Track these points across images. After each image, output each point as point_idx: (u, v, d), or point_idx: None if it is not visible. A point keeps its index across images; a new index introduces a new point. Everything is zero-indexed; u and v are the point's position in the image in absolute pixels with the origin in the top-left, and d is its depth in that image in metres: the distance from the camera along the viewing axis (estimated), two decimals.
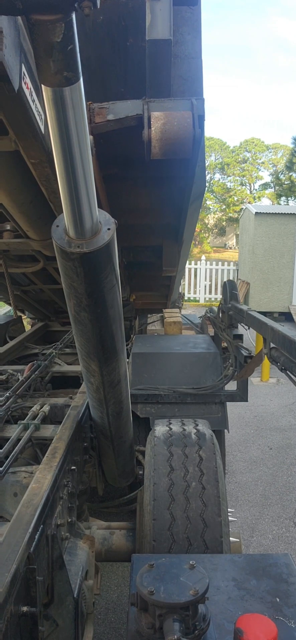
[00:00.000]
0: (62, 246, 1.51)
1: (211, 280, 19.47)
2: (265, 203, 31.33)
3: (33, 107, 1.63)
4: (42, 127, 1.79)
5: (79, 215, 1.45)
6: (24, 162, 2.02)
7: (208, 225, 33.78)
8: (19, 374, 3.19)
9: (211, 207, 35.17)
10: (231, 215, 33.70)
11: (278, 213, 15.79)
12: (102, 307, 1.74)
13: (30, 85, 1.54)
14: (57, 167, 1.35)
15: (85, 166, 1.35)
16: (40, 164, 1.99)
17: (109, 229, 1.57)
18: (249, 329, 3.43)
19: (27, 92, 1.51)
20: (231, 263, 19.94)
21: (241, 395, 3.69)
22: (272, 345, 2.57)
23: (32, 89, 1.56)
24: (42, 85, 1.16)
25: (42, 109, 1.85)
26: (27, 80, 1.50)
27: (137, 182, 3.13)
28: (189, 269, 19.20)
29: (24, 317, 6.06)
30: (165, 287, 5.70)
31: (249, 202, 29.98)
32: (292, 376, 2.29)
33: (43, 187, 2.24)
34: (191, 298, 19.28)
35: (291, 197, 28.09)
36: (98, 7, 0.99)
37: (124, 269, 4.52)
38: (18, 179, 2.27)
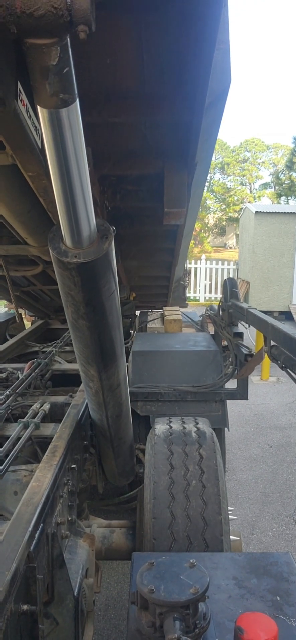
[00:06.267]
0: (58, 256, 1.47)
1: (211, 280, 19.47)
2: (265, 202, 31.30)
3: (29, 122, 1.61)
4: (39, 142, 1.75)
5: (76, 225, 1.42)
6: (22, 174, 2.00)
7: (208, 225, 33.75)
8: (19, 372, 3.19)
9: (211, 206, 35.12)
10: (231, 214, 33.65)
11: (278, 212, 15.79)
12: (101, 315, 1.70)
13: (26, 101, 1.51)
14: (54, 182, 1.33)
15: (82, 180, 1.32)
16: (38, 177, 1.97)
17: (106, 237, 1.52)
18: (249, 327, 3.42)
19: (23, 109, 1.49)
20: (231, 262, 19.93)
21: (242, 393, 3.68)
22: (273, 343, 2.56)
23: (28, 105, 1.53)
24: (38, 107, 1.15)
25: (39, 123, 1.79)
26: (24, 97, 1.47)
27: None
28: (190, 268, 19.20)
29: (23, 314, 6.05)
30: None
31: (249, 202, 29.98)
32: (292, 374, 2.28)
33: (41, 197, 2.23)
34: (191, 297, 19.27)
35: (291, 196, 28.09)
36: (93, 30, 0.98)
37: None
38: (16, 190, 2.26)
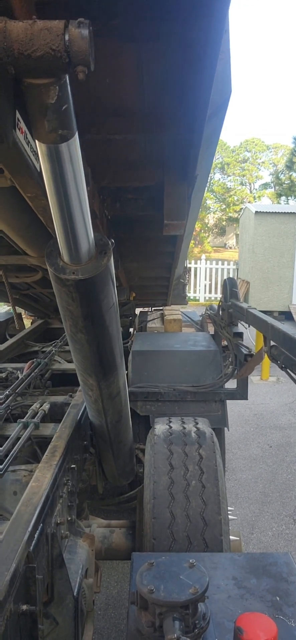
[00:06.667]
0: (56, 272, 1.44)
1: (211, 280, 19.47)
2: (265, 202, 31.31)
3: (28, 149, 1.59)
4: (37, 166, 1.75)
5: (74, 242, 1.39)
6: (21, 193, 2.01)
7: (208, 225, 33.75)
8: (18, 371, 3.19)
9: (211, 206, 35.12)
10: (231, 214, 33.65)
11: (278, 212, 15.79)
12: (100, 328, 1.68)
13: (24, 128, 1.50)
14: (52, 207, 1.31)
15: (81, 203, 1.31)
16: (37, 197, 1.96)
17: (105, 252, 1.49)
18: (249, 327, 3.42)
19: (21, 136, 1.47)
20: (231, 262, 19.93)
21: (241, 393, 3.68)
22: (272, 343, 2.56)
23: (27, 131, 1.52)
24: (37, 141, 1.13)
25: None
26: (22, 124, 1.46)
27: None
28: (189, 268, 19.20)
29: (23, 313, 6.05)
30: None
31: (249, 202, 29.97)
32: (292, 374, 2.28)
33: (40, 215, 2.22)
34: (191, 297, 19.27)
35: (291, 196, 28.10)
36: (92, 69, 0.97)
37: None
38: (15, 208, 2.26)
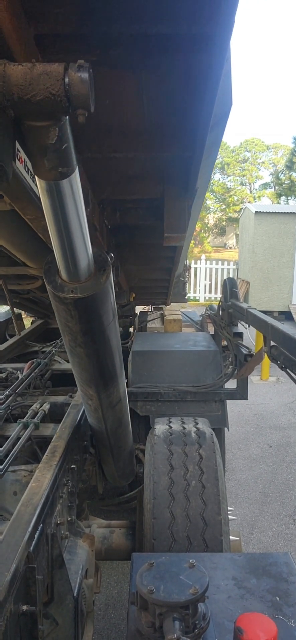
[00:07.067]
0: (54, 290, 1.42)
1: (211, 280, 19.47)
2: (265, 202, 31.31)
3: (28, 177, 1.57)
4: (37, 191, 1.75)
5: (72, 260, 1.37)
6: (20, 215, 2.01)
7: (208, 225, 33.74)
8: (18, 372, 3.19)
9: (211, 206, 35.12)
10: (231, 214, 33.66)
11: (278, 212, 15.79)
12: (99, 343, 1.67)
13: (24, 157, 1.49)
14: (51, 233, 1.31)
15: (82, 227, 1.30)
16: (37, 219, 1.96)
17: (104, 269, 1.47)
18: (249, 327, 3.42)
19: (21, 166, 1.46)
20: (231, 262, 19.94)
21: (241, 393, 3.69)
22: (272, 343, 2.56)
23: (26, 160, 1.51)
24: (37, 177, 1.13)
25: None
26: (22, 154, 1.45)
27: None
28: (189, 266, 19.16)
29: (23, 313, 6.04)
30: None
31: (249, 202, 29.97)
32: (292, 374, 2.28)
33: (40, 234, 2.23)
34: (191, 297, 19.27)
35: (291, 196, 28.09)
36: (92, 111, 0.97)
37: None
38: (15, 227, 2.26)
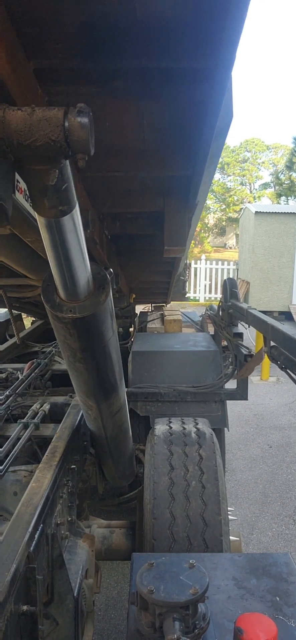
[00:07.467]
0: (53, 310, 1.41)
1: (211, 280, 19.47)
2: (265, 202, 31.31)
3: (27, 205, 1.57)
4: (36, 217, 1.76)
5: (71, 281, 1.35)
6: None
7: (208, 225, 33.74)
8: (18, 372, 3.19)
9: (211, 206, 35.11)
10: (231, 215, 33.65)
11: (278, 212, 15.79)
12: (99, 358, 1.66)
13: (24, 187, 1.48)
14: (50, 260, 1.31)
15: (82, 253, 1.30)
16: (36, 241, 1.98)
17: (103, 287, 1.45)
18: (249, 327, 3.42)
19: (20, 196, 1.46)
20: (231, 262, 19.94)
21: (241, 393, 3.68)
22: (272, 343, 2.56)
23: (26, 189, 1.49)
24: (37, 213, 1.14)
25: None
26: (21, 184, 1.44)
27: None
28: (190, 265, 19.17)
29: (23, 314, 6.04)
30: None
31: (249, 202, 29.97)
32: (292, 375, 2.28)
33: (40, 252, 2.25)
34: (191, 297, 19.28)
35: (291, 196, 28.08)
36: (92, 154, 0.97)
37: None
38: (15, 245, 2.28)
